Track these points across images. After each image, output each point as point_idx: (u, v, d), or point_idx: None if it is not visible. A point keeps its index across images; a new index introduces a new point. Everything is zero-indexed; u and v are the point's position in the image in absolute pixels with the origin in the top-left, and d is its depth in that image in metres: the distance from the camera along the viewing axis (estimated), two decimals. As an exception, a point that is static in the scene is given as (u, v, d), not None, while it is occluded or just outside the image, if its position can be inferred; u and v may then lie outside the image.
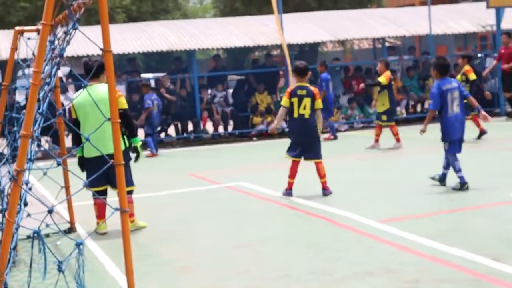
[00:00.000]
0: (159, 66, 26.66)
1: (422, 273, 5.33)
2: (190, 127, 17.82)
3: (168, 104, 17.25)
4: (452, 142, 8.58)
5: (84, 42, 15.98)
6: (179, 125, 17.60)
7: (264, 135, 17.21)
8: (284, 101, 8.95)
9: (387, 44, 22.03)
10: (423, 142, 12.14)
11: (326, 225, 7.31)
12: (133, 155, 7.63)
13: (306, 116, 8.86)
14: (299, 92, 8.89)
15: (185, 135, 17.59)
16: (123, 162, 5.00)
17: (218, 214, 8.29)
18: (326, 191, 8.84)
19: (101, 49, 5.05)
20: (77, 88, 20.54)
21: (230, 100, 18.28)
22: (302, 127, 8.86)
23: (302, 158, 8.93)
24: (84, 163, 7.38)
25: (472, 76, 13.43)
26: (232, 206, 8.74)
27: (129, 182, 7.37)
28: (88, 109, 7.19)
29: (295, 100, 8.87)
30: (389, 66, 13.72)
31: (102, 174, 7.11)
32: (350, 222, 7.25)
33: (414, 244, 6.21)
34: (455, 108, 8.58)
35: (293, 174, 8.90)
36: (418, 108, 19.33)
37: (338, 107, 18.32)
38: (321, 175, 8.86)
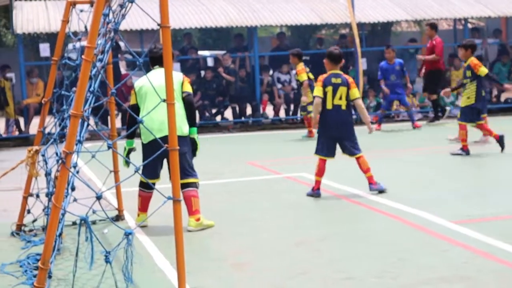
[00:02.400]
0: (217, 43, 26.73)
1: (502, 282, 5.24)
2: (249, 110, 17.87)
3: (226, 85, 17.33)
4: None
5: (138, 15, 16.16)
6: (237, 108, 17.66)
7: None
8: (318, 91, 8.72)
9: (469, 25, 21.61)
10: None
11: (394, 223, 7.25)
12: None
13: (343, 107, 8.69)
14: (333, 80, 8.72)
15: (243, 119, 17.65)
16: (177, 147, 5.05)
17: (277, 206, 8.31)
18: (373, 186, 8.64)
19: (158, 24, 5.10)
20: (128, 64, 20.85)
21: (294, 83, 18.22)
22: (338, 120, 8.68)
23: (342, 152, 8.83)
24: (143, 150, 7.39)
25: (483, 71, 11.38)
26: (293, 198, 8.74)
27: (193, 172, 7.32)
28: (150, 95, 7.18)
29: (329, 89, 8.68)
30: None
31: (158, 164, 7.22)
32: (421, 221, 7.17)
33: (493, 248, 6.09)
34: None
35: (321, 172, 8.74)
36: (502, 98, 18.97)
37: (413, 93, 18.10)
38: (364, 169, 8.71)
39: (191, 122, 7.33)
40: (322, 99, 8.68)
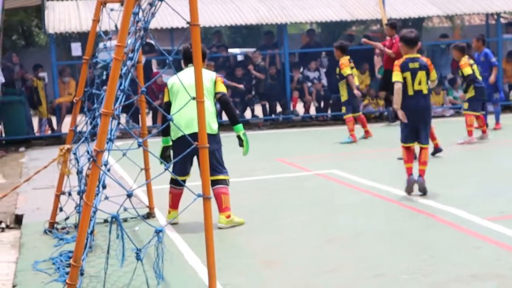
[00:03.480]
0: (247, 41, 26.77)
1: (535, 280, 5.19)
2: (279, 108, 17.87)
3: (256, 82, 17.35)
4: None
5: (168, 13, 16.23)
6: (267, 105, 17.68)
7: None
8: (397, 76, 8.30)
9: (502, 20, 21.37)
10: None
11: (426, 220, 7.20)
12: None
13: (424, 91, 8.35)
14: (411, 65, 8.34)
15: (273, 116, 17.66)
16: (207, 144, 5.07)
17: (307, 204, 8.30)
18: (422, 179, 8.27)
19: (188, 23, 5.12)
20: (158, 63, 20.96)
21: (324, 81, 18.15)
22: (420, 106, 8.32)
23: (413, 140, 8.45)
24: (173, 147, 7.42)
25: (467, 71, 12.31)
26: (323, 195, 8.73)
27: (223, 169, 7.34)
28: (181, 93, 7.20)
29: (407, 75, 8.30)
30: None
31: (188, 161, 7.26)
32: (454, 219, 7.11)
33: (528, 246, 6.04)
34: None
35: (410, 158, 8.38)
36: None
37: (444, 89, 17.98)
38: (424, 162, 8.36)
39: (233, 120, 7.38)
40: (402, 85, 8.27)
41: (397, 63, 8.45)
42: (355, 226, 7.13)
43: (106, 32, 7.35)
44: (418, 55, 8.55)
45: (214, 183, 7.16)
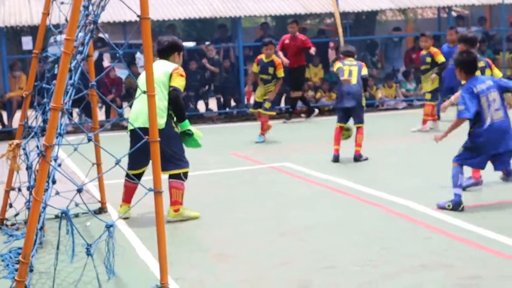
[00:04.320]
0: (201, 35, 26.71)
1: (483, 269, 5.29)
2: (233, 101, 17.87)
3: (211, 76, 17.33)
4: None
5: (121, 7, 16.11)
6: (221, 99, 17.66)
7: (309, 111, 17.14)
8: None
9: (453, 13, 21.67)
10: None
11: (378, 212, 7.29)
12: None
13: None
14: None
15: (227, 110, 17.65)
16: (158, 139, 5.07)
17: (261, 197, 8.33)
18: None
19: (138, 16, 5.10)
20: (111, 57, 20.79)
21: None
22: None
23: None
24: (130, 140, 7.35)
25: (440, 59, 13.11)
26: (276, 189, 8.77)
27: (177, 164, 7.27)
28: (139, 84, 7.15)
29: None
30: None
31: (142, 155, 7.19)
32: (405, 210, 7.22)
33: (476, 236, 6.15)
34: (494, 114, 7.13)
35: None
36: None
37: (396, 82, 18.16)
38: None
39: (178, 117, 7.23)
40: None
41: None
42: (307, 218, 7.19)
43: (57, 26, 7.27)
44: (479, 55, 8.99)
45: (169, 177, 7.18)
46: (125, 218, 7.37)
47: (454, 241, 6.08)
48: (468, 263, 5.44)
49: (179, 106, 7.24)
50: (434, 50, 13.16)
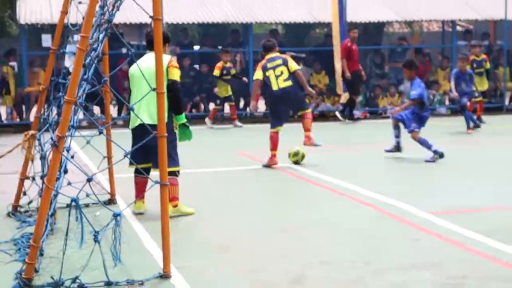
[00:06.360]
0: (216, 40, 26.84)
1: (470, 269, 5.36)
2: (242, 104, 17.98)
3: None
4: None
5: (137, 9, 16.18)
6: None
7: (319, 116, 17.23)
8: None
9: (458, 28, 21.70)
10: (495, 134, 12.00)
11: (372, 212, 7.37)
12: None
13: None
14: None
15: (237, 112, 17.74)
16: (166, 134, 5.17)
17: (264, 195, 8.43)
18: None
19: (150, 17, 5.22)
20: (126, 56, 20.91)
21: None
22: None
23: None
24: (132, 135, 7.34)
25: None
26: (279, 188, 8.86)
27: (173, 161, 7.16)
28: (138, 78, 7.06)
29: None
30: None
31: (144, 150, 7.25)
32: (399, 212, 7.30)
33: (465, 239, 6.22)
34: None
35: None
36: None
37: (399, 93, 18.23)
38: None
39: (175, 110, 7.11)
40: None
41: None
42: (306, 216, 7.27)
43: (74, 24, 7.37)
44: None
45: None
46: (140, 214, 7.44)
47: (442, 242, 6.15)
48: (455, 264, 5.52)
49: (178, 98, 7.12)
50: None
